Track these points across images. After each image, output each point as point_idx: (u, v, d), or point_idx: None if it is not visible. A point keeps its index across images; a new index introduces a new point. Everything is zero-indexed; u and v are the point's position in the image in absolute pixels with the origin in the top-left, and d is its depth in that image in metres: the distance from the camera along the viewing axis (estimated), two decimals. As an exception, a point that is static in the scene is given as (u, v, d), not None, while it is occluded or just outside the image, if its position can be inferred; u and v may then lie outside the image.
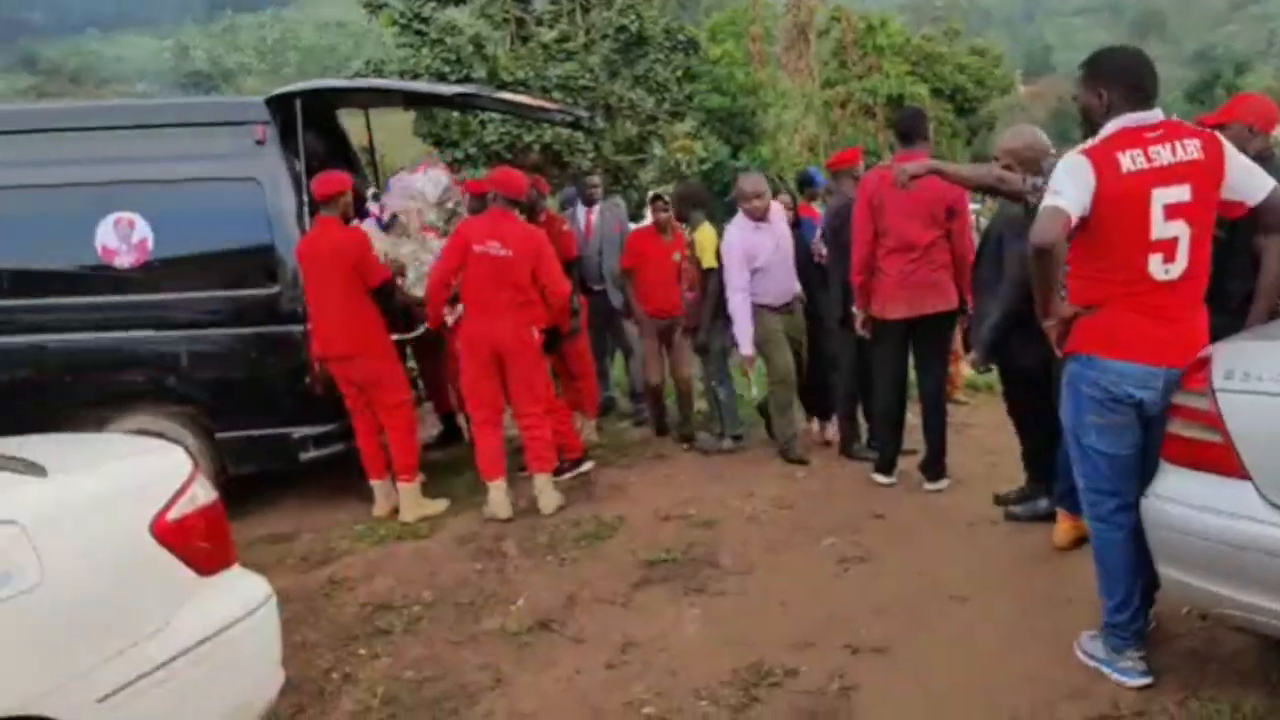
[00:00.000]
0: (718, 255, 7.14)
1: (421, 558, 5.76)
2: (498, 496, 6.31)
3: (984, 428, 7.68)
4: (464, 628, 4.86)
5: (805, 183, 8.05)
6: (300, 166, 6.55)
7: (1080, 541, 4.85)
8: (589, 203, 8.58)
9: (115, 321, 6.45)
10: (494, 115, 17.03)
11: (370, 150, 8.77)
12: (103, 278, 6.41)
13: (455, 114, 17.43)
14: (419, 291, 6.68)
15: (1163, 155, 3.47)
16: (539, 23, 19.58)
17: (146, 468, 3.35)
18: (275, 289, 6.47)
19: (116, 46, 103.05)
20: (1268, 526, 3.17)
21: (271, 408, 6.56)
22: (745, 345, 6.98)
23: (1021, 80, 60.12)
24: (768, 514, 6.16)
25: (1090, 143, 3.56)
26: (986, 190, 5.51)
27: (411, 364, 7.62)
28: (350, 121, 8.38)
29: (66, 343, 6.44)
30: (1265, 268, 3.90)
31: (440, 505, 6.53)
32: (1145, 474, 3.65)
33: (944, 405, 6.40)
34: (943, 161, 5.61)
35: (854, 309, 6.42)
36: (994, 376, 6.16)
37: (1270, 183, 3.63)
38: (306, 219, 6.42)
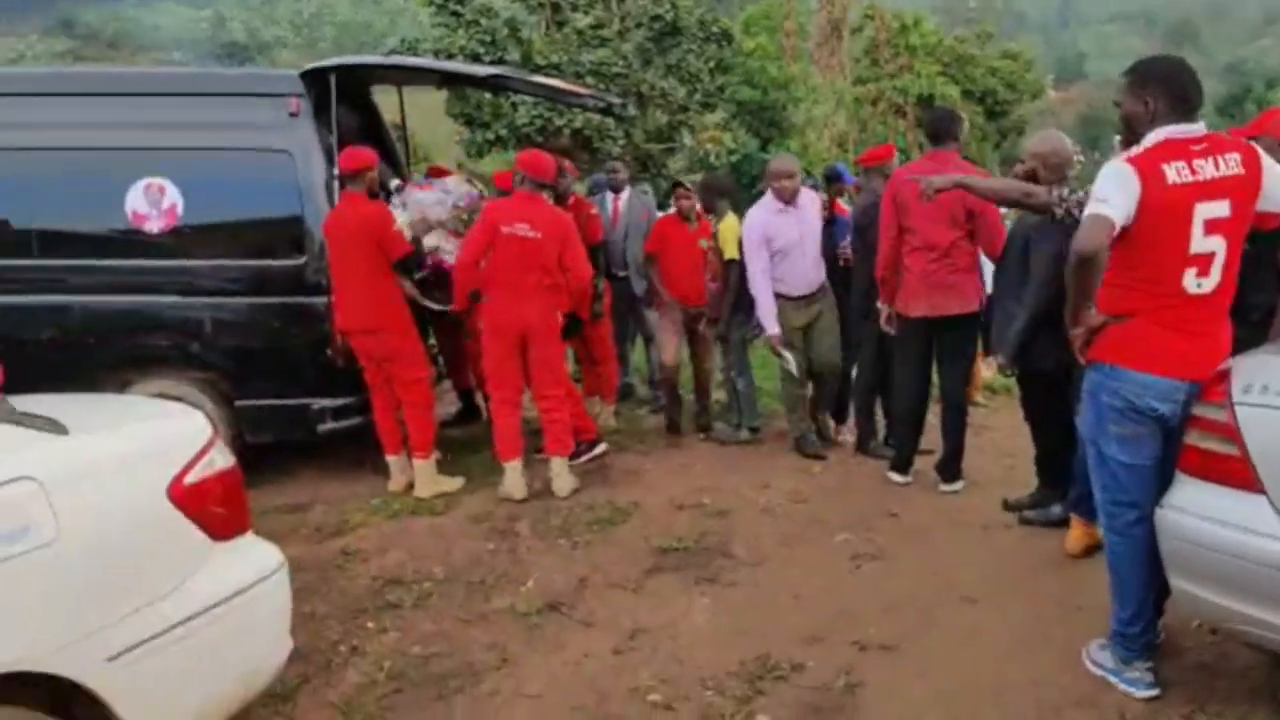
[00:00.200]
0: (740, 246, 7.09)
1: (435, 534, 5.78)
2: (513, 477, 6.33)
3: (1002, 430, 7.66)
4: (474, 606, 4.87)
5: (832, 178, 8.00)
6: (333, 140, 6.56)
7: (1093, 549, 4.86)
8: (616, 189, 8.57)
9: (141, 285, 6.48)
10: (526, 98, 17.06)
11: (402, 127, 8.78)
12: (131, 242, 6.45)
13: (487, 95, 17.48)
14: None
15: (1206, 169, 3.44)
16: (574, 8, 19.60)
17: (166, 430, 3.36)
18: (301, 260, 6.48)
19: (155, 14, 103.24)
20: None
21: (292, 378, 6.59)
22: (770, 324, 6.87)
23: (1053, 85, 59.73)
24: (782, 507, 6.15)
25: (1134, 151, 3.50)
26: (1012, 204, 5.47)
27: (432, 341, 7.62)
28: (383, 98, 8.39)
29: (92, 304, 6.48)
30: None
31: (456, 483, 6.55)
32: (1161, 484, 3.63)
33: (965, 407, 6.36)
34: (967, 175, 5.54)
35: (879, 304, 6.40)
36: (1012, 379, 6.13)
37: None
38: (335, 193, 6.44)
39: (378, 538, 5.73)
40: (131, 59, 64.23)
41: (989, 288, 6.01)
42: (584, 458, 6.81)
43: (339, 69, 6.67)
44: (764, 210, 6.90)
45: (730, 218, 7.42)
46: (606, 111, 10.62)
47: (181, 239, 6.47)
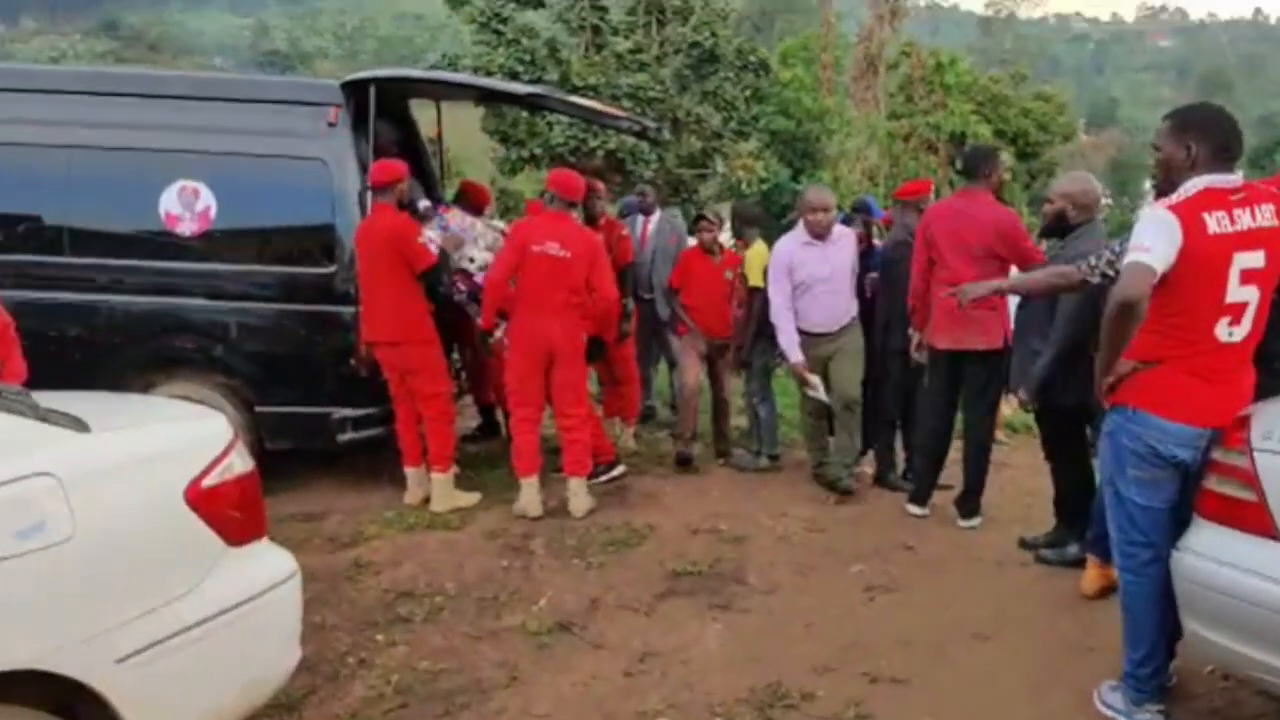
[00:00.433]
0: (765, 275, 7.00)
1: (448, 549, 5.77)
2: (530, 494, 6.32)
3: (1022, 469, 7.60)
4: (484, 623, 4.86)
5: (860, 210, 7.98)
6: (369, 151, 6.60)
7: (1107, 590, 4.83)
8: (646, 211, 8.59)
9: (170, 287, 6.52)
10: (561, 118, 17.13)
11: (439, 141, 8.82)
12: (163, 243, 6.49)
13: (524, 113, 17.54)
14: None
15: (1244, 219, 3.42)
16: (615, 32, 19.72)
17: (187, 432, 3.37)
18: (331, 269, 6.51)
19: (199, 20, 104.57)
20: None
21: (314, 386, 6.60)
22: (792, 353, 6.73)
23: (1085, 130, 59.71)
24: (798, 535, 6.13)
25: (1175, 200, 3.47)
26: (1050, 292, 5.17)
27: (455, 356, 7.63)
28: (421, 112, 8.44)
29: (120, 304, 6.52)
30: None
31: (472, 498, 6.54)
32: (1179, 527, 3.62)
33: (988, 445, 6.32)
34: (1003, 281, 5.42)
35: (910, 330, 6.44)
36: (1032, 417, 6.10)
37: None
38: (369, 203, 6.46)
39: (391, 550, 5.73)
40: (173, 63, 64.96)
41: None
42: (601, 478, 6.79)
43: (379, 81, 6.70)
44: (792, 241, 6.79)
45: (758, 245, 7.41)
46: (641, 135, 10.63)
47: (213, 242, 6.51)
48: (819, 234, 6.67)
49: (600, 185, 8.23)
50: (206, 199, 6.46)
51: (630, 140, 17.57)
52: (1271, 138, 55.09)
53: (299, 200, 6.57)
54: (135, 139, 6.44)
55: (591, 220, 7.68)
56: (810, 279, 6.68)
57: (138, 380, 6.34)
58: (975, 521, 6.29)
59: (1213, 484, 3.48)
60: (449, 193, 8.48)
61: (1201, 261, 3.38)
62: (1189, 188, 3.48)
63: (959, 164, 26.12)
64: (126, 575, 2.86)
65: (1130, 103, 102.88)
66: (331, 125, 6.49)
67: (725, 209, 21.38)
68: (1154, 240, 3.38)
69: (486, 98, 11.01)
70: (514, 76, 17.09)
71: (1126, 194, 55.79)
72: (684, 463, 7.45)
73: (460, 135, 15.95)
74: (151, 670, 2.84)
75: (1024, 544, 5.86)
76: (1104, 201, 5.25)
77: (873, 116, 27.84)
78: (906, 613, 5.01)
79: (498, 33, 18.30)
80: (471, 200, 7.75)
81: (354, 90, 6.63)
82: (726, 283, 7.55)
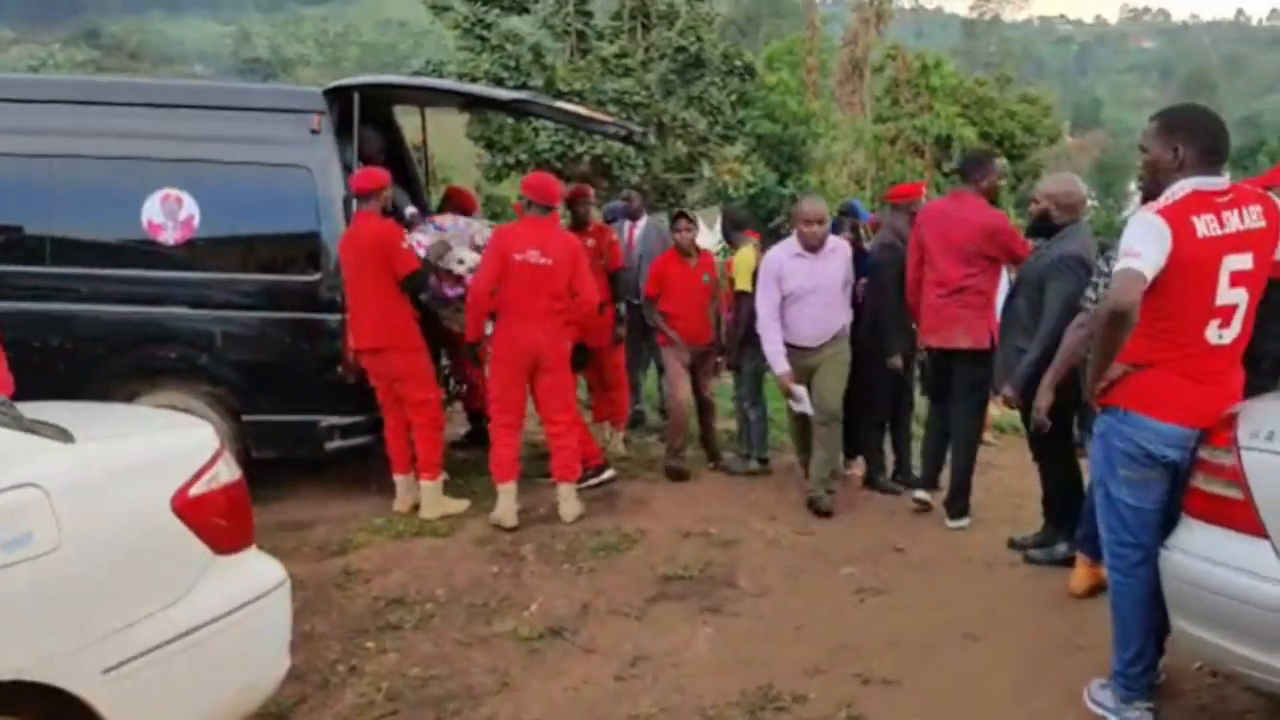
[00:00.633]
0: (753, 280, 6.95)
1: (438, 556, 5.75)
2: (506, 502, 6.24)
3: (1010, 470, 7.63)
4: (475, 629, 4.84)
5: (846, 213, 7.99)
6: (353, 158, 6.58)
7: (1096, 589, 4.83)
8: (633, 216, 8.58)
9: (154, 296, 6.49)
10: (547, 124, 17.12)
11: (423, 148, 8.81)
12: (146, 252, 6.45)
13: (509, 120, 17.53)
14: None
15: (1232, 222, 3.42)
16: (600, 37, 19.73)
17: (173, 441, 3.36)
18: (316, 276, 6.48)
19: (180, 28, 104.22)
20: None
21: (301, 394, 6.57)
22: (776, 364, 6.66)
23: (1070, 132, 59.95)
24: (788, 539, 6.13)
25: (1163, 203, 3.45)
26: (1085, 347, 4.88)
27: (444, 362, 7.62)
28: (405, 119, 8.42)
29: (103, 314, 6.48)
30: None
31: (461, 505, 6.51)
32: (1167, 525, 3.63)
33: (971, 443, 6.36)
34: (1049, 376, 5.18)
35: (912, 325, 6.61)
36: (1020, 420, 6.12)
37: None
38: (353, 211, 6.44)
39: (380, 557, 5.70)
40: (153, 71, 64.77)
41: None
42: (591, 483, 6.77)
43: (363, 88, 6.69)
44: (783, 250, 6.67)
45: (746, 250, 7.41)
46: (627, 140, 10.63)
47: (196, 251, 6.47)
48: (812, 246, 6.56)
49: (590, 190, 8.23)
50: (190, 207, 6.43)
51: (616, 145, 17.58)
52: (1255, 138, 55.47)
53: (283, 208, 6.54)
54: (117, 147, 6.40)
55: (581, 225, 7.66)
56: (799, 290, 6.55)
57: (122, 390, 6.29)
58: (964, 522, 6.31)
59: (1200, 482, 3.48)
60: (434, 199, 8.46)
61: (1191, 265, 3.38)
62: (1177, 190, 3.47)
63: (944, 167, 26.21)
64: (114, 585, 2.84)
65: (1114, 104, 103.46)
66: (315, 132, 6.46)
67: (712, 213, 21.45)
68: (1144, 245, 3.36)
69: (471, 104, 11.01)
70: (499, 82, 17.09)
71: (1111, 195, 56.06)
72: (675, 475, 7.36)
73: (445, 142, 15.93)
74: (139, 680, 2.82)
75: (1013, 544, 5.88)
76: (1090, 203, 5.28)
77: (859, 120, 27.91)
78: (897, 614, 5.01)
79: (482, 39, 18.29)
80: (458, 206, 7.72)
81: (338, 97, 6.61)
82: (704, 287, 7.44)
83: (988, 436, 8.50)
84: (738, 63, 20.45)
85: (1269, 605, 3.16)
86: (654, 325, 7.65)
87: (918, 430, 7.46)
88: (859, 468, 7.39)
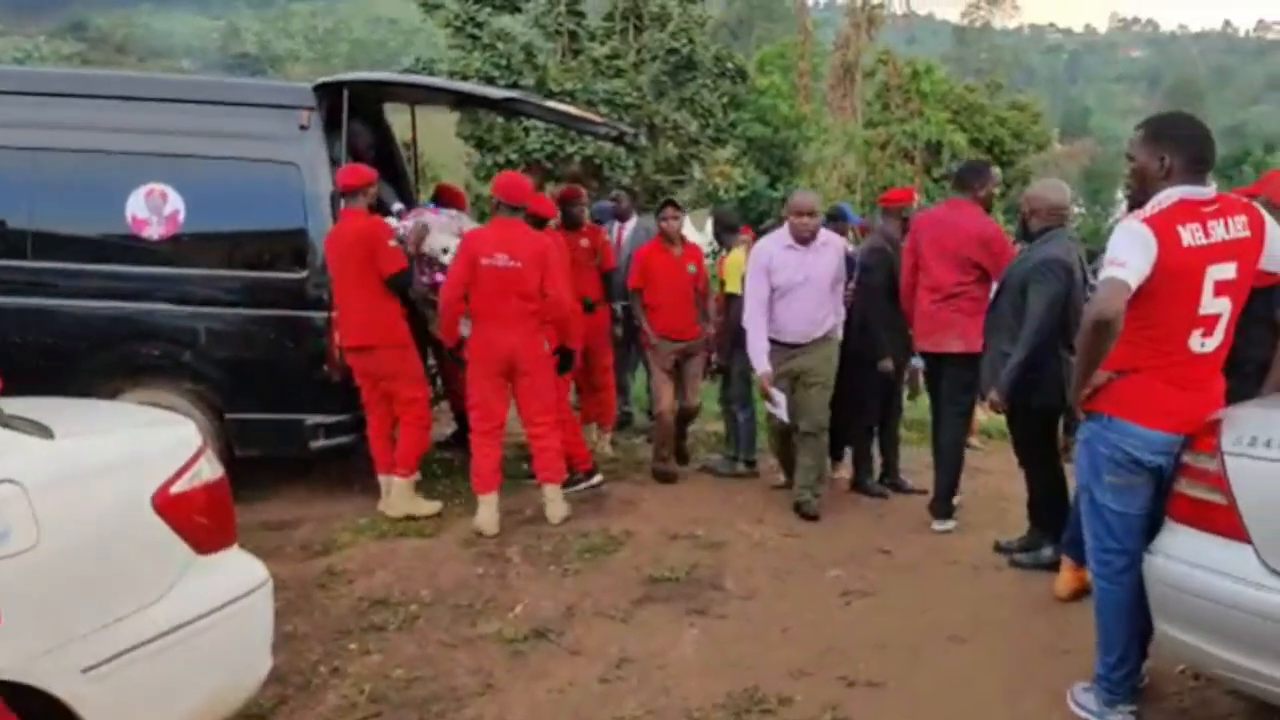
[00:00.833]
0: (743, 283, 6.87)
1: (423, 556, 5.72)
2: (487, 512, 6.17)
3: (996, 474, 7.63)
4: (459, 630, 4.81)
5: (835, 217, 7.98)
6: (342, 155, 6.53)
7: (1081, 593, 4.84)
8: (622, 217, 8.56)
9: (137, 292, 6.45)
10: (538, 123, 17.09)
11: (413, 146, 8.77)
12: (129, 247, 6.41)
13: (499, 119, 17.49)
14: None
15: (1218, 231, 3.43)
16: (591, 38, 19.70)
17: (154, 438, 3.33)
18: (303, 274, 6.45)
19: (167, 21, 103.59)
20: (1265, 591, 3.18)
21: (285, 392, 6.53)
22: (758, 362, 6.45)
23: (1058, 139, 60.09)
24: (775, 541, 6.12)
25: (1149, 211, 3.45)
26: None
27: (431, 361, 7.57)
28: (395, 117, 8.39)
29: (86, 309, 6.43)
30: None
31: (431, 507, 6.44)
32: (1151, 530, 3.65)
33: (956, 445, 6.37)
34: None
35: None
36: (1005, 424, 6.13)
37: None
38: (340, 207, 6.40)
39: (364, 558, 5.67)
40: (140, 65, 64.35)
41: None
42: (579, 487, 6.74)
43: (352, 84, 6.65)
44: (774, 242, 6.58)
45: (738, 251, 7.38)
46: (618, 140, 10.60)
47: (181, 247, 6.43)
48: (803, 238, 6.46)
49: (582, 191, 8.19)
50: (175, 202, 6.37)
51: (607, 146, 17.54)
52: (1240, 147, 55.68)
53: (270, 204, 6.50)
54: (101, 141, 6.36)
55: (574, 226, 7.62)
56: (788, 283, 6.44)
57: (105, 387, 6.22)
58: (949, 525, 6.32)
59: (1184, 487, 3.50)
60: (424, 198, 8.42)
61: (1176, 274, 3.39)
62: (1163, 199, 3.47)
63: (934, 172, 26.25)
64: (93, 583, 2.81)
65: (1103, 112, 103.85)
66: (303, 128, 6.43)
67: (701, 215, 21.44)
68: (1129, 254, 3.37)
69: (462, 102, 10.98)
70: (490, 81, 17.03)
71: (1099, 202, 56.15)
72: (663, 478, 7.32)
73: (435, 140, 15.84)
74: (119, 680, 2.79)
75: (999, 548, 5.89)
76: (1076, 209, 5.32)
77: (849, 124, 27.89)
78: (883, 616, 5.01)
79: (473, 37, 18.23)
80: (448, 204, 7.68)
81: (327, 93, 6.57)
82: (690, 278, 7.30)
83: (974, 441, 8.51)
84: (729, 65, 20.45)
85: (1251, 609, 3.18)
86: (637, 322, 7.51)
87: (906, 434, 7.46)
88: (846, 470, 7.38)
